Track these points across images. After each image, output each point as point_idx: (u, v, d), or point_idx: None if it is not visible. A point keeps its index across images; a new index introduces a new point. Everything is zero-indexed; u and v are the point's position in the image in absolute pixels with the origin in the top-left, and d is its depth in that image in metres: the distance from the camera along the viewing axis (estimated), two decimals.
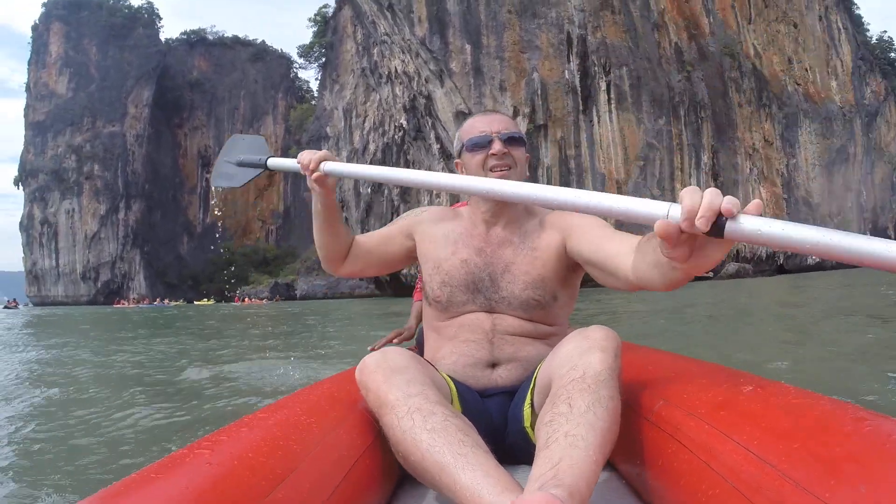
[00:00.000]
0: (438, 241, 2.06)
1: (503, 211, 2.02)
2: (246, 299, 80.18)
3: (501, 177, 1.92)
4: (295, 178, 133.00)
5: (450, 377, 1.90)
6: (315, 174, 1.85)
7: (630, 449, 1.56)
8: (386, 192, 61.83)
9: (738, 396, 1.31)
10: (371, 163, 57.31)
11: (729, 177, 69.01)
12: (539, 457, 1.32)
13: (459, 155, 2.09)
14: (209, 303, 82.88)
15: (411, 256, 2.14)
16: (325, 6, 77.76)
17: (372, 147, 61.75)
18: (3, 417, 5.63)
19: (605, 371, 1.47)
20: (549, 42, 57.83)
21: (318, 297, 71.89)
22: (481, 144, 1.99)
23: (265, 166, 2.16)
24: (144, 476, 1.02)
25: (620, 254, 1.71)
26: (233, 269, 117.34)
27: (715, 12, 75.47)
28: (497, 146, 1.96)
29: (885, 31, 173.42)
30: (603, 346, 1.53)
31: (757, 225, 1.01)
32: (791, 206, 76.57)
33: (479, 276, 1.97)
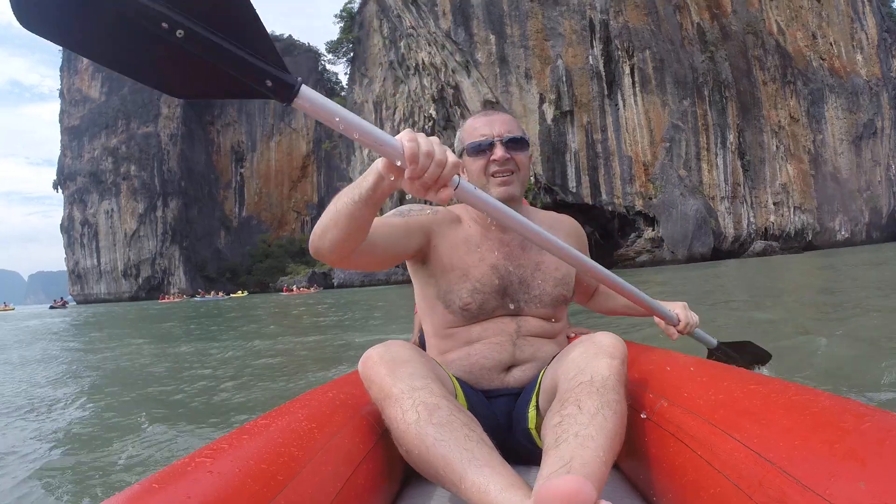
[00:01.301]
0: (461, 245, 1.95)
1: (516, 208, 1.93)
2: (294, 289, 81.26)
3: (503, 183, 1.93)
4: (328, 168, 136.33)
5: (455, 377, 1.88)
6: (443, 198, 1.31)
7: (632, 447, 1.59)
8: None
9: (739, 394, 1.33)
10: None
11: (755, 155, 69.53)
12: (549, 455, 1.33)
13: (460, 157, 1.99)
14: (243, 294, 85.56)
15: (417, 256, 1.96)
16: (351, 2, 78.86)
17: None
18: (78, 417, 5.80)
19: (613, 376, 1.50)
20: (571, 29, 58.79)
21: (354, 285, 73.27)
22: (482, 149, 1.94)
23: (291, 88, 1.13)
24: (146, 487, 1.02)
25: (592, 282, 2.37)
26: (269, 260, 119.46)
27: None
28: (499, 152, 1.93)
29: None
30: (611, 352, 1.57)
31: (696, 331, 2.26)
32: (819, 182, 76.84)
33: (510, 280, 1.94)
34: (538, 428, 1.67)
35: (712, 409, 1.32)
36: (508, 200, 1.90)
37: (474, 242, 1.95)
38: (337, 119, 1.14)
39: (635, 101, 59.36)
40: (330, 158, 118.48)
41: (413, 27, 61.74)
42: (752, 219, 67.46)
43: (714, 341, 2.39)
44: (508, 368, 1.93)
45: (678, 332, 2.06)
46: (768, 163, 71.00)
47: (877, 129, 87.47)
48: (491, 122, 1.97)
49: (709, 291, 16.67)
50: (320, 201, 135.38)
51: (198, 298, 79.24)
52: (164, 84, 1.08)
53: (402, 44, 64.30)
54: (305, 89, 1.13)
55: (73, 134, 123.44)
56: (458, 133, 2.02)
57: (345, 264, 1.67)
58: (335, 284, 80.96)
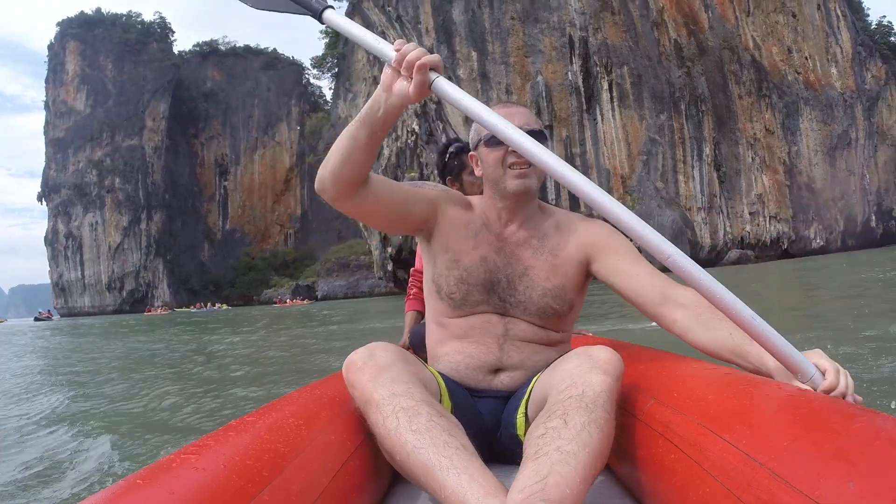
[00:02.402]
0: (460, 229, 1.94)
1: (520, 208, 1.94)
2: (287, 300, 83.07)
3: (521, 175, 1.88)
4: (311, 181, 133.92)
5: (441, 374, 1.88)
6: (418, 81, 1.43)
7: (622, 448, 1.58)
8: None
9: (728, 394, 1.32)
10: (385, 167, 59.91)
11: (731, 166, 71.15)
12: (526, 467, 1.30)
13: (476, 147, 1.99)
14: (222, 307, 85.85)
15: (422, 228, 1.96)
16: None
17: (386, 152, 64.05)
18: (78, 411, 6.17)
19: (604, 393, 1.47)
20: (551, 45, 60.27)
21: (338, 297, 74.43)
22: (500, 140, 1.70)
23: (318, 15, 1.61)
24: (131, 483, 1.01)
25: (644, 290, 1.82)
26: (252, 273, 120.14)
27: (714, 7, 77.36)
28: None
29: (885, 16, 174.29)
30: (606, 368, 1.54)
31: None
32: (794, 192, 78.54)
33: (497, 277, 1.90)
34: (525, 434, 1.60)
35: (702, 410, 1.32)
36: (525, 193, 1.91)
37: (473, 229, 1.94)
38: (353, 30, 1.56)
39: (613, 115, 60.85)
40: (313, 172, 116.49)
41: None
42: (728, 228, 69.09)
43: None
44: (495, 371, 1.91)
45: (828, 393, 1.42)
46: (744, 174, 72.66)
47: (851, 139, 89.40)
48: (511, 114, 1.86)
49: None
50: (303, 214, 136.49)
51: (194, 310, 79.84)
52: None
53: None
54: (332, 11, 1.60)
55: (58, 146, 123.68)
56: (473, 124, 1.88)
57: (345, 204, 1.72)
58: (318, 297, 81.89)
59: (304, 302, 75.04)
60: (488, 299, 1.90)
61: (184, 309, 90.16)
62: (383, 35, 63.89)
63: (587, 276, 1.94)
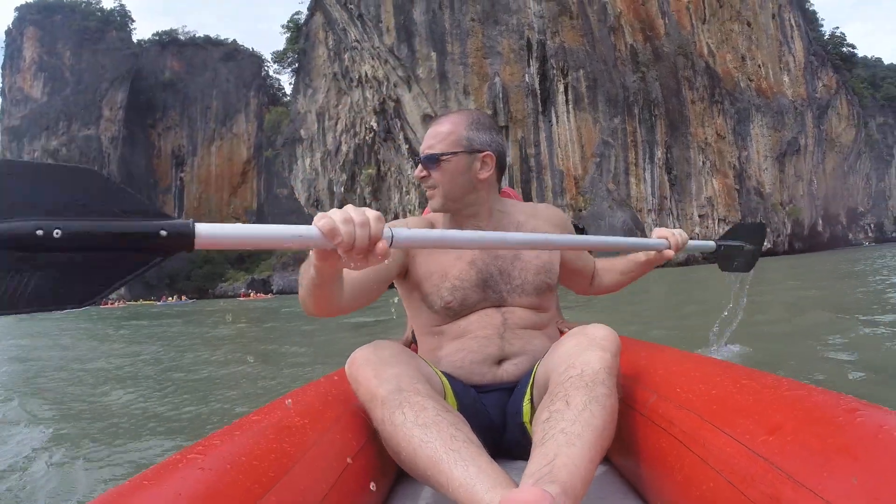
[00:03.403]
0: (436, 254, 1.95)
1: (468, 209, 1.97)
2: (252, 294, 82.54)
3: (428, 197, 1.97)
4: (268, 174, 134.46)
5: (444, 373, 1.86)
6: (379, 253, 1.21)
7: (625, 443, 1.58)
8: (358, 190, 64.95)
9: (731, 389, 1.33)
10: (343, 163, 60.49)
11: (682, 170, 72.85)
12: (535, 453, 1.32)
13: None
14: (171, 301, 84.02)
15: (402, 273, 1.98)
16: (298, 13, 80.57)
17: (344, 148, 64.75)
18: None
19: (603, 370, 1.49)
20: (510, 48, 61.35)
21: (294, 292, 74.15)
22: (415, 165, 1.96)
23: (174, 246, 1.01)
24: (136, 484, 1.00)
25: (585, 263, 2.19)
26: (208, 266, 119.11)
27: (670, 14, 78.69)
28: (416, 171, 1.98)
29: (837, 27, 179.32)
30: (603, 344, 1.56)
31: (405, 235, 1.34)
32: (743, 195, 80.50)
33: (489, 272, 1.92)
34: (532, 421, 1.61)
35: (704, 404, 1.33)
36: (437, 210, 1.98)
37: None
38: (246, 240, 1.10)
39: (568, 117, 62.11)
40: (271, 165, 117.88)
41: (358, 41, 63.51)
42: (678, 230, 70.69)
43: (712, 244, 2.27)
44: (499, 362, 1.91)
45: (674, 252, 2.01)
46: (694, 177, 74.33)
47: (800, 146, 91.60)
48: (425, 137, 1.97)
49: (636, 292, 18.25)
50: (259, 207, 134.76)
51: (160, 303, 78.56)
52: (60, 297, 0.91)
53: (346, 56, 66.06)
54: (201, 226, 1.04)
55: (13, 134, 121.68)
56: None
57: (344, 313, 1.72)
58: (274, 291, 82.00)
59: (269, 296, 74.67)
60: (485, 296, 1.93)
61: (142, 302, 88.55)
62: (344, 32, 64.80)
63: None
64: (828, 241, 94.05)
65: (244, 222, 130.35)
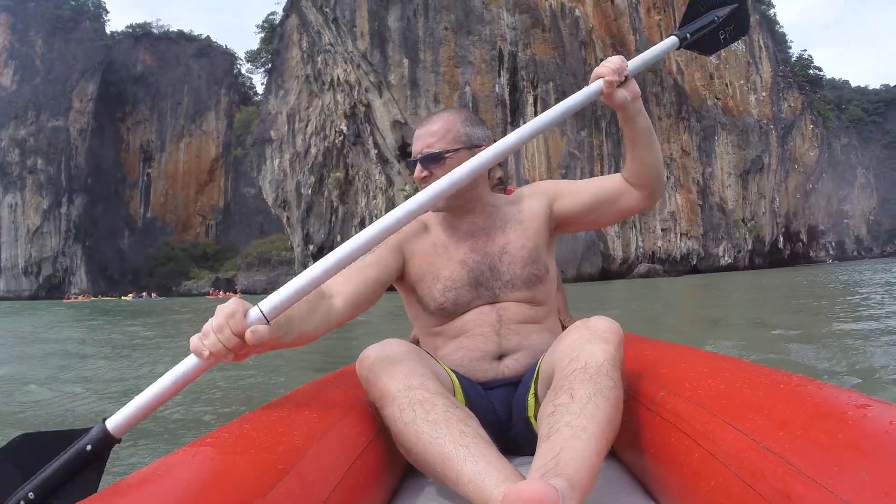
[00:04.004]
0: (429, 251, 1.98)
1: (467, 205, 1.99)
2: (221, 293, 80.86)
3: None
4: (236, 173, 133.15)
5: (452, 370, 1.87)
6: (248, 345, 1.31)
7: (633, 439, 1.59)
8: (326, 192, 65.26)
9: (740, 384, 1.32)
10: (312, 165, 60.83)
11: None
12: (541, 447, 1.33)
13: None
14: (129, 298, 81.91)
15: (400, 276, 2.00)
16: (273, 14, 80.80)
17: (313, 150, 65.00)
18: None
19: (607, 362, 1.49)
20: (481, 58, 62.12)
21: (258, 292, 74.46)
22: (412, 167, 2.00)
23: (111, 440, 1.30)
24: (146, 475, 1.01)
25: (605, 182, 1.99)
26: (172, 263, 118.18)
27: (642, 30, 79.99)
28: (416, 171, 1.99)
29: (805, 50, 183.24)
30: (605, 336, 1.56)
31: (634, 64, 1.79)
32: (706, 211, 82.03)
33: (480, 270, 1.93)
34: (538, 416, 1.60)
35: (713, 399, 1.32)
36: (442, 209, 2.01)
37: (441, 244, 1.99)
38: (147, 407, 1.30)
39: None
40: (239, 164, 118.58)
41: (331, 44, 63.91)
42: (640, 243, 71.92)
43: (672, 40, 1.97)
44: (499, 358, 1.92)
45: (617, 81, 1.76)
46: None
47: (764, 164, 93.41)
48: (417, 138, 2.00)
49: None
50: (226, 206, 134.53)
51: (131, 299, 77.13)
52: None
53: (319, 59, 66.35)
54: (110, 420, 1.29)
55: None
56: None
57: (345, 322, 1.77)
58: (238, 290, 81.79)
59: (238, 295, 73.57)
60: (477, 294, 1.94)
61: (102, 297, 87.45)
62: (318, 35, 65.07)
63: (554, 227, 2.03)
64: (788, 258, 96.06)
65: (210, 220, 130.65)
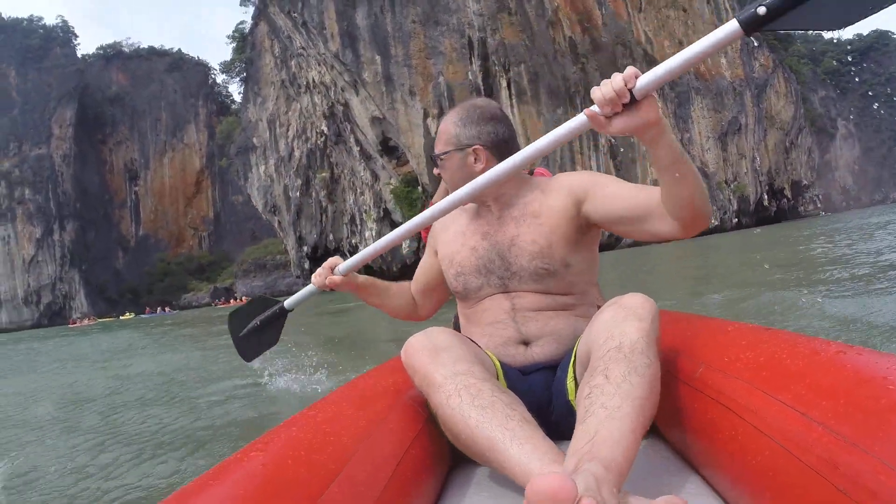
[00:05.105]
0: (450, 241, 2.06)
1: (495, 193, 1.96)
2: (231, 301, 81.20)
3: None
4: (222, 183, 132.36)
5: (495, 357, 1.87)
6: (334, 282, 2.04)
7: (675, 416, 1.56)
8: (314, 193, 66.14)
9: (779, 355, 1.30)
10: (297, 168, 61.74)
11: (627, 155, 75.14)
12: (577, 430, 1.32)
13: None
14: (130, 316, 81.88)
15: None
16: (243, 23, 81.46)
17: (297, 154, 65.76)
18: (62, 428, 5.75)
19: (641, 339, 1.47)
20: (452, 47, 62.92)
21: (255, 295, 75.11)
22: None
23: (285, 312, 2.26)
24: (201, 484, 1.02)
25: (640, 196, 1.75)
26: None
27: (607, 4, 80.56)
28: (436, 171, 2.11)
29: None
30: (639, 314, 1.53)
31: (652, 77, 1.36)
32: None
33: (489, 258, 1.93)
34: (576, 398, 1.55)
35: (753, 372, 1.30)
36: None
37: (461, 231, 2.03)
38: (302, 301, 2.27)
39: (512, 111, 63.60)
40: (224, 173, 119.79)
41: (303, 48, 64.75)
42: None
43: (732, 26, 1.28)
44: (525, 344, 1.90)
45: (609, 112, 1.42)
46: (639, 162, 76.35)
47: (741, 125, 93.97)
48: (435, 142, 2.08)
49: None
50: (216, 216, 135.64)
51: (145, 315, 77.29)
52: (268, 343, 2.34)
53: (293, 63, 67.11)
54: (288, 302, 2.27)
55: None
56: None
57: (428, 315, 2.33)
58: (239, 298, 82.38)
59: (243, 300, 71.52)
60: (487, 282, 1.94)
61: (102, 319, 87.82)
62: (290, 40, 65.68)
63: (581, 224, 1.90)
64: (775, 215, 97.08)
65: (202, 231, 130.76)
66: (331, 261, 2.07)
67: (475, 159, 1.97)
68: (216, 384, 7.13)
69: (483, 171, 1.84)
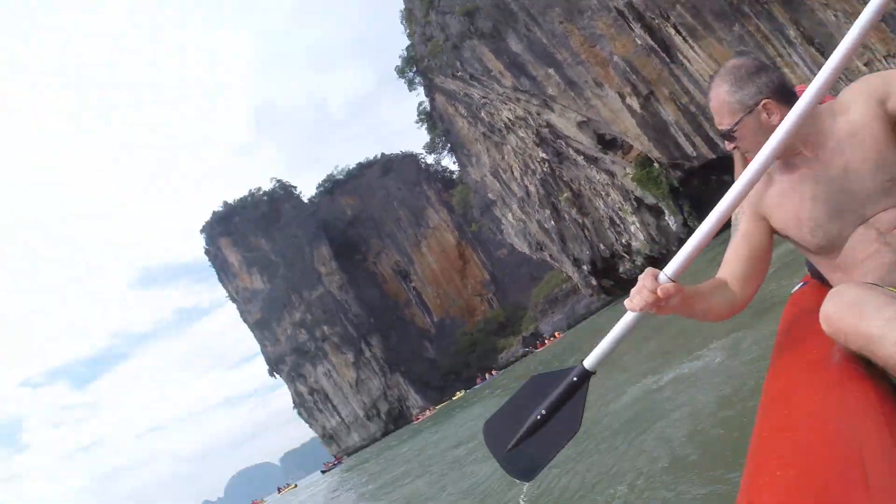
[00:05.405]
0: (781, 202, 1.91)
1: (802, 136, 1.84)
2: (547, 340, 72.08)
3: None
4: (482, 244, 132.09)
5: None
6: (668, 292, 1.64)
7: None
8: (566, 216, 68.88)
9: None
10: (539, 201, 65.40)
11: None
12: None
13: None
14: (461, 394, 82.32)
15: (772, 234, 1.97)
16: (422, 104, 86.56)
17: (532, 188, 68.17)
18: None
19: None
20: (606, 25, 62.21)
21: (563, 328, 76.42)
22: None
23: (587, 375, 1.79)
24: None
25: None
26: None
27: None
28: (726, 146, 2.07)
29: None
30: None
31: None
32: None
33: (836, 199, 1.81)
34: None
35: None
36: (744, 156, 2.09)
37: (788, 189, 1.91)
38: (607, 350, 1.82)
39: (695, 52, 59.82)
40: (479, 235, 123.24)
41: (484, 96, 68.50)
42: None
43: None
44: None
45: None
46: None
47: None
48: (713, 112, 2.02)
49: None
50: (492, 275, 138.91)
51: (477, 386, 78.56)
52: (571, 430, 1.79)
53: (482, 114, 70.86)
54: (588, 359, 1.82)
55: (260, 326, 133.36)
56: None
57: (748, 301, 1.95)
58: (546, 337, 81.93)
59: (559, 335, 69.06)
60: (845, 221, 1.83)
61: (441, 405, 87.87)
62: (468, 97, 69.77)
63: (895, 120, 1.78)
64: None
65: (486, 295, 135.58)
66: (647, 272, 1.71)
67: (768, 114, 1.92)
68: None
69: (779, 121, 1.75)
